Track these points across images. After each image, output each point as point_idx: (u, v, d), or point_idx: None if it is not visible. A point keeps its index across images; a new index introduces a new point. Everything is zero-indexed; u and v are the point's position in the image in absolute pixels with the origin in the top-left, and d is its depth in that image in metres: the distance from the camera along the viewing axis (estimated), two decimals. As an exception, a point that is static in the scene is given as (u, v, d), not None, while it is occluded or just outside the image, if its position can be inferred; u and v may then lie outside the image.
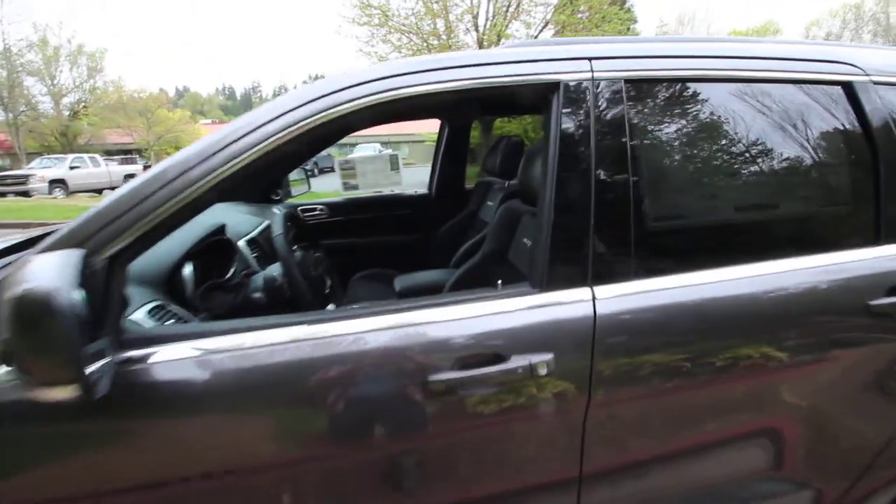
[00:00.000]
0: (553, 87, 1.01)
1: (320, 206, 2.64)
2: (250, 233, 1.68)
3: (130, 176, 15.83)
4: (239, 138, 0.88)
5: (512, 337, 0.94)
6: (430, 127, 2.79)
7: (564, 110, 0.99)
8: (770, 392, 1.06)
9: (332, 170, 10.25)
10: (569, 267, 0.99)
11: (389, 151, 2.68)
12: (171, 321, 1.09)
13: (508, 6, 12.77)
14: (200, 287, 1.34)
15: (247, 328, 0.91)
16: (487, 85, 1.00)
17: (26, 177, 15.07)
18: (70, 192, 15.43)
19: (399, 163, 2.72)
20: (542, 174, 1.02)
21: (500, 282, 1.03)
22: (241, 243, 1.59)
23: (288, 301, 1.24)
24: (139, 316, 1.02)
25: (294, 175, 2.74)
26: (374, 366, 0.90)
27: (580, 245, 0.99)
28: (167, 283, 1.18)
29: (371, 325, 0.92)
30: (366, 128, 1.36)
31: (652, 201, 1.03)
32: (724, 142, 1.06)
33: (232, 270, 1.52)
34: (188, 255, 1.26)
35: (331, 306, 1.52)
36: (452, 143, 2.66)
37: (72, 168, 16.17)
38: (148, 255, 1.08)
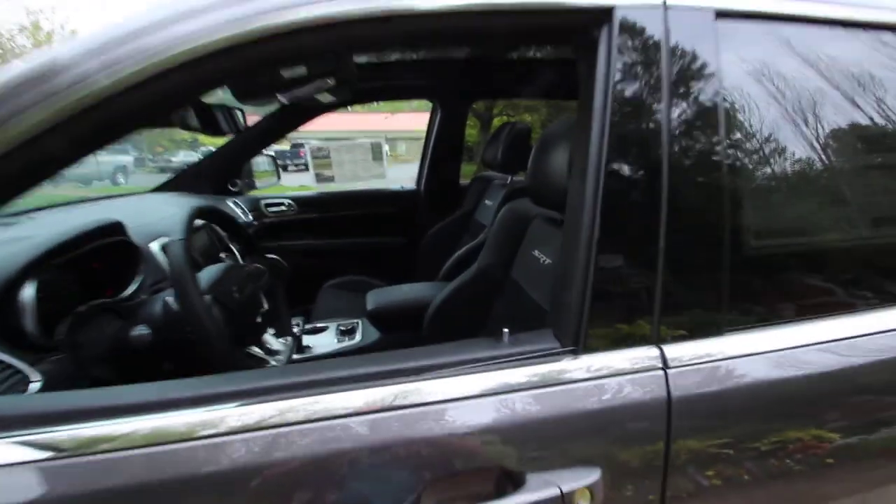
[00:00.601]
0: (599, 18, 0.60)
1: (288, 201, 2.23)
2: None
3: (121, 167, 15.60)
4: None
5: (529, 438, 0.54)
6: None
7: (620, 59, 0.59)
8: None
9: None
10: (624, 314, 0.59)
11: (371, 140, 2.28)
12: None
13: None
14: (78, 310, 0.93)
15: (91, 409, 0.51)
16: (490, 8, 0.58)
17: (8, 164, 14.61)
18: (56, 182, 15.00)
19: (383, 152, 2.31)
20: (580, 163, 0.61)
21: (506, 331, 0.62)
22: (155, 247, 1.17)
23: (190, 341, 0.83)
24: None
25: (263, 165, 2.33)
26: (282, 496, 0.50)
27: (643, 278, 0.58)
28: None
29: (282, 415, 0.51)
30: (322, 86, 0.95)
31: (758, 207, 0.63)
32: (880, 120, 0.65)
33: (134, 286, 1.11)
34: (41, 266, 0.85)
35: (269, 336, 1.12)
36: (446, 129, 2.25)
37: (57, 156, 15.73)
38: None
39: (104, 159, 18.18)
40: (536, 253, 1.15)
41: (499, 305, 1.27)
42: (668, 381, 0.57)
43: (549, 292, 1.00)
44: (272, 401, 0.51)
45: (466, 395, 0.54)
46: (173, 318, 0.85)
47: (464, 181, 2.41)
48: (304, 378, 0.54)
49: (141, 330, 0.85)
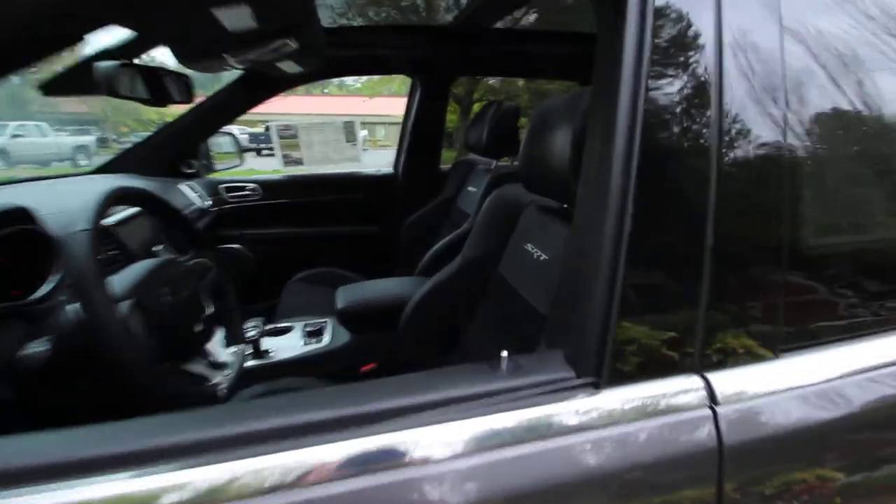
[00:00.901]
0: None
1: (252, 185, 2.03)
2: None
3: (81, 147, 14.90)
4: None
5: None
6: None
7: (659, 8, 0.43)
8: None
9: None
10: (658, 334, 0.44)
11: (344, 119, 2.08)
12: None
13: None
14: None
15: None
16: None
17: (-41, 145, 13.72)
18: (12, 163, 14.23)
19: (356, 132, 2.11)
20: (602, 141, 0.46)
21: (504, 354, 0.47)
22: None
23: (101, 357, 0.66)
24: None
25: (225, 145, 2.11)
26: None
27: (683, 287, 0.44)
28: None
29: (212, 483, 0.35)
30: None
31: (831, 196, 0.49)
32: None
33: (49, 286, 0.92)
34: None
35: (215, 346, 0.95)
36: (426, 108, 2.07)
37: (14, 137, 14.89)
38: None
39: (64, 140, 17.29)
40: (529, 247, 1.01)
41: (485, 305, 1.12)
42: (716, 420, 0.43)
43: (543, 292, 0.86)
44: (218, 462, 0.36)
45: (452, 455, 0.39)
46: (80, 329, 0.67)
47: (444, 166, 2.25)
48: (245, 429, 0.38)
49: (35, 347, 0.67)
